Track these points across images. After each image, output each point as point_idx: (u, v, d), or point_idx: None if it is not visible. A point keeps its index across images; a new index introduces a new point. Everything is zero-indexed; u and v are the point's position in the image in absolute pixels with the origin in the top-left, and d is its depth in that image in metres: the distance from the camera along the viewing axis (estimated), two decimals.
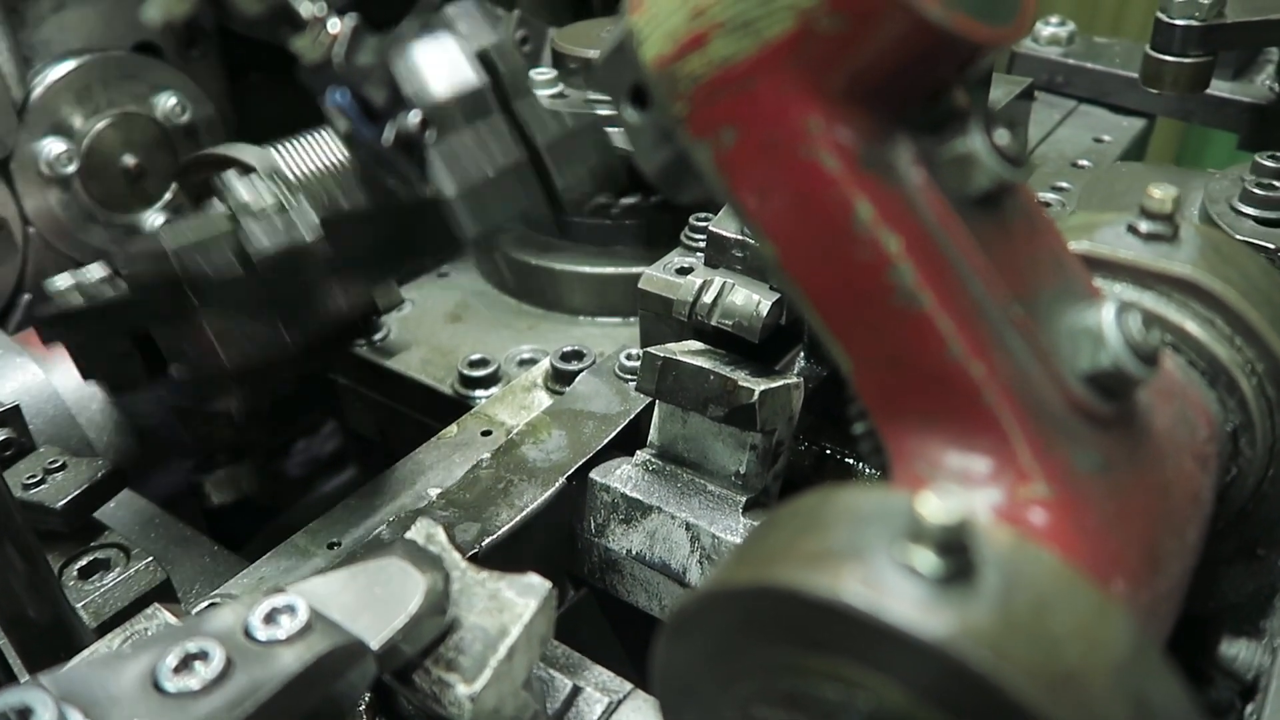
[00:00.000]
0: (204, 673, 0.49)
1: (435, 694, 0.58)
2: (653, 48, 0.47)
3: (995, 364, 0.46)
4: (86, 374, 0.81)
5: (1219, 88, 1.24)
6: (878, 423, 0.51)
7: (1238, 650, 0.65)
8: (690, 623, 0.47)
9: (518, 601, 0.60)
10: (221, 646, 0.50)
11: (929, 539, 0.40)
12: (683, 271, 0.92)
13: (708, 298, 0.86)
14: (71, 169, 1.35)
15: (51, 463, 0.86)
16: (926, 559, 0.40)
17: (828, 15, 0.42)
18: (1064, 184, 1.23)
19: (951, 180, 0.46)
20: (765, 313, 0.84)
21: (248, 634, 0.51)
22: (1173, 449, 0.53)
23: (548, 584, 0.61)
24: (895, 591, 0.40)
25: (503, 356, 1.16)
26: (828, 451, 0.94)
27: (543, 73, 1.23)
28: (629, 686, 0.71)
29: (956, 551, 0.40)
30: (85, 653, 0.64)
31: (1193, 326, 0.61)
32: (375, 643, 0.54)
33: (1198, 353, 0.61)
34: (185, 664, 0.49)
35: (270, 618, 0.52)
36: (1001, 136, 0.47)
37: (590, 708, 0.69)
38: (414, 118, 0.58)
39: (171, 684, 0.48)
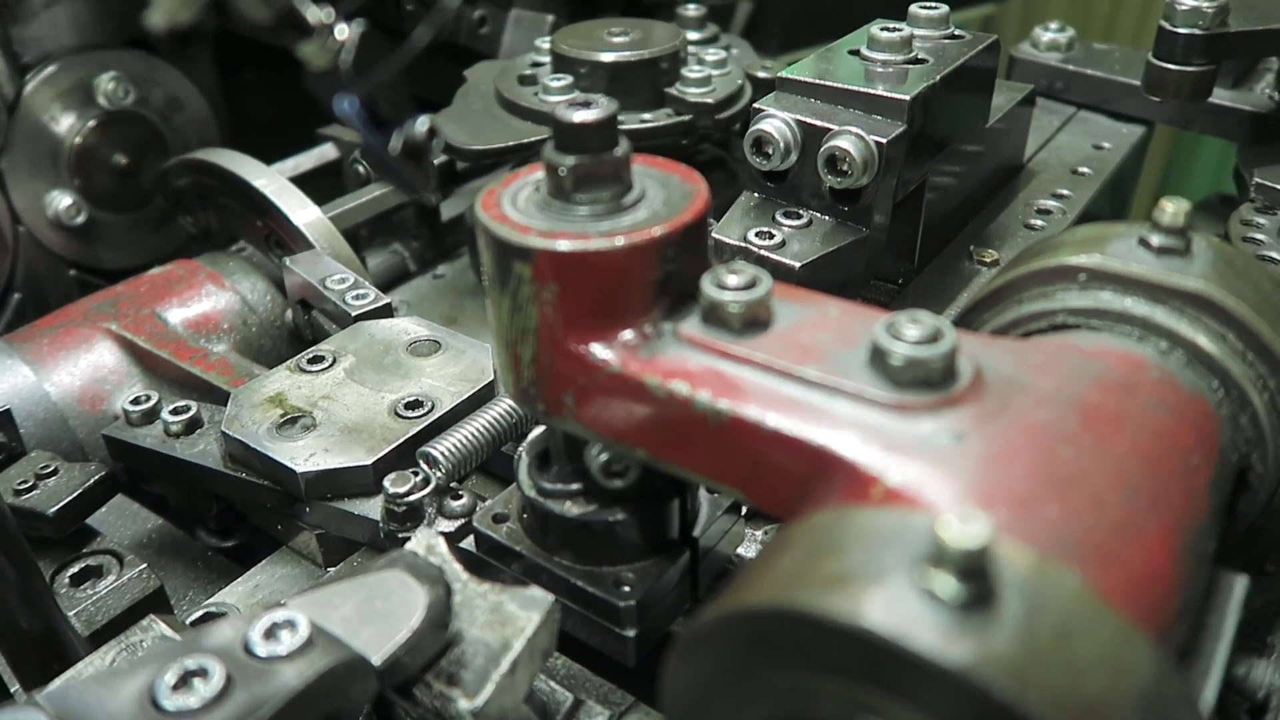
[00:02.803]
0: (203, 690, 0.48)
1: (437, 708, 0.57)
2: (506, 388, 0.63)
3: (806, 417, 0.53)
4: None
5: (1219, 96, 1.23)
6: (789, 520, 0.54)
7: (1247, 668, 0.64)
8: (702, 642, 0.47)
9: (520, 615, 0.60)
10: (221, 663, 0.49)
11: (949, 563, 0.40)
12: None
13: None
14: (79, 221, 1.35)
15: (43, 468, 0.85)
16: (947, 584, 0.40)
17: (543, 290, 0.56)
18: (1064, 191, 1.23)
19: (719, 325, 0.58)
20: None
21: (247, 650, 0.51)
22: (1061, 392, 0.55)
23: (550, 597, 0.61)
24: (917, 617, 0.39)
25: None
26: None
27: (558, 79, 1.20)
28: (630, 699, 0.71)
29: (977, 576, 0.40)
30: (79, 666, 0.63)
31: (1205, 341, 0.61)
32: (377, 658, 0.53)
33: (1210, 368, 0.60)
34: (184, 681, 0.48)
35: (270, 633, 0.51)
36: (729, 279, 0.58)
37: None
38: (421, 125, 0.57)
39: (170, 702, 0.47)
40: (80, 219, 1.37)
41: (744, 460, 0.55)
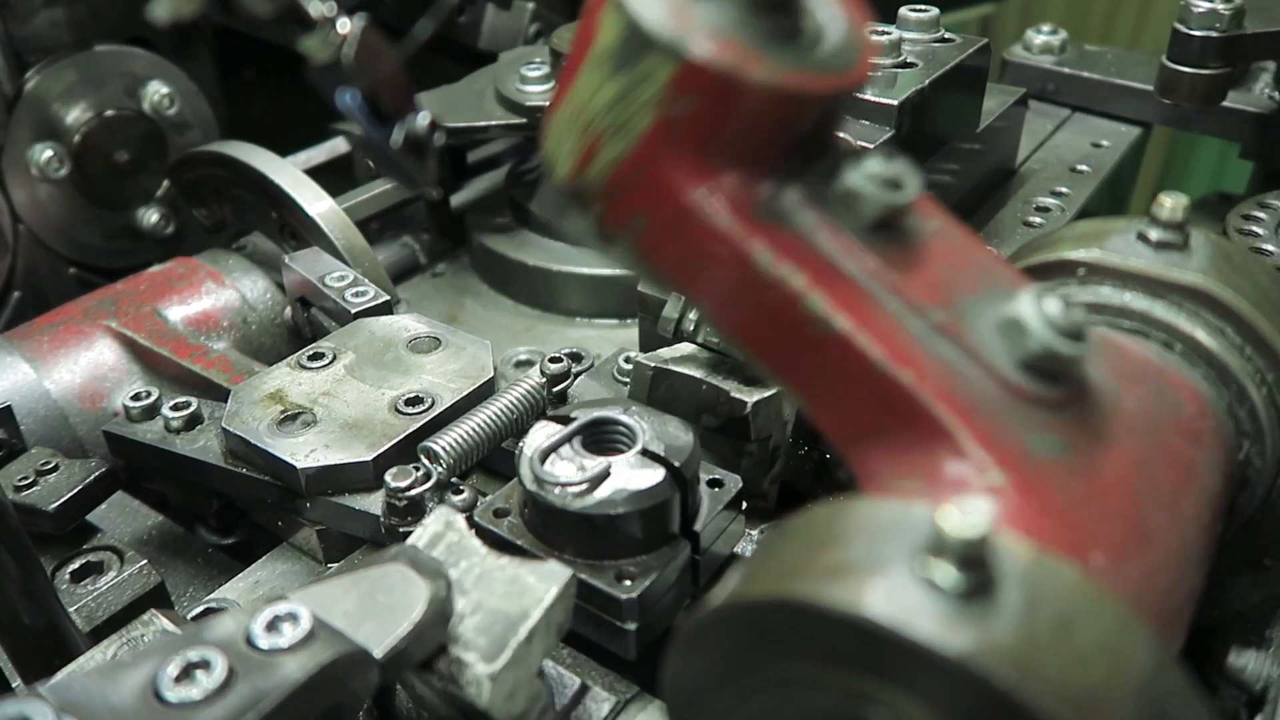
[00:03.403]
0: (205, 682, 0.48)
1: (453, 674, 0.57)
2: (561, 168, 0.53)
3: (923, 369, 0.48)
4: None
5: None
6: (843, 452, 0.52)
7: (1246, 661, 0.65)
8: (704, 634, 0.47)
9: (538, 586, 0.60)
10: (223, 655, 0.49)
11: (950, 553, 0.40)
12: None
13: (694, 314, 0.82)
14: (62, 173, 1.34)
15: (43, 464, 0.85)
16: (947, 573, 0.40)
17: (677, 101, 0.47)
18: (1063, 189, 1.23)
19: (846, 215, 0.50)
20: None
21: (249, 642, 0.50)
22: (1150, 425, 0.53)
23: (568, 571, 0.61)
24: (917, 607, 0.39)
25: (499, 358, 1.15)
26: (829, 457, 0.93)
27: (533, 68, 1.23)
28: (635, 689, 0.71)
29: (977, 566, 0.40)
30: (81, 660, 0.63)
31: (1204, 336, 0.61)
32: (379, 651, 0.53)
33: (1209, 362, 0.61)
34: (186, 673, 0.48)
35: (272, 625, 0.51)
36: (878, 166, 0.50)
37: (598, 705, 0.69)
38: (422, 119, 0.57)
39: (172, 694, 0.47)
40: (63, 171, 1.34)
41: (831, 380, 0.49)
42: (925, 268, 0.50)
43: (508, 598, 0.59)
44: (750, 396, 0.77)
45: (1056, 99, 1.42)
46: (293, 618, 0.51)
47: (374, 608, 0.55)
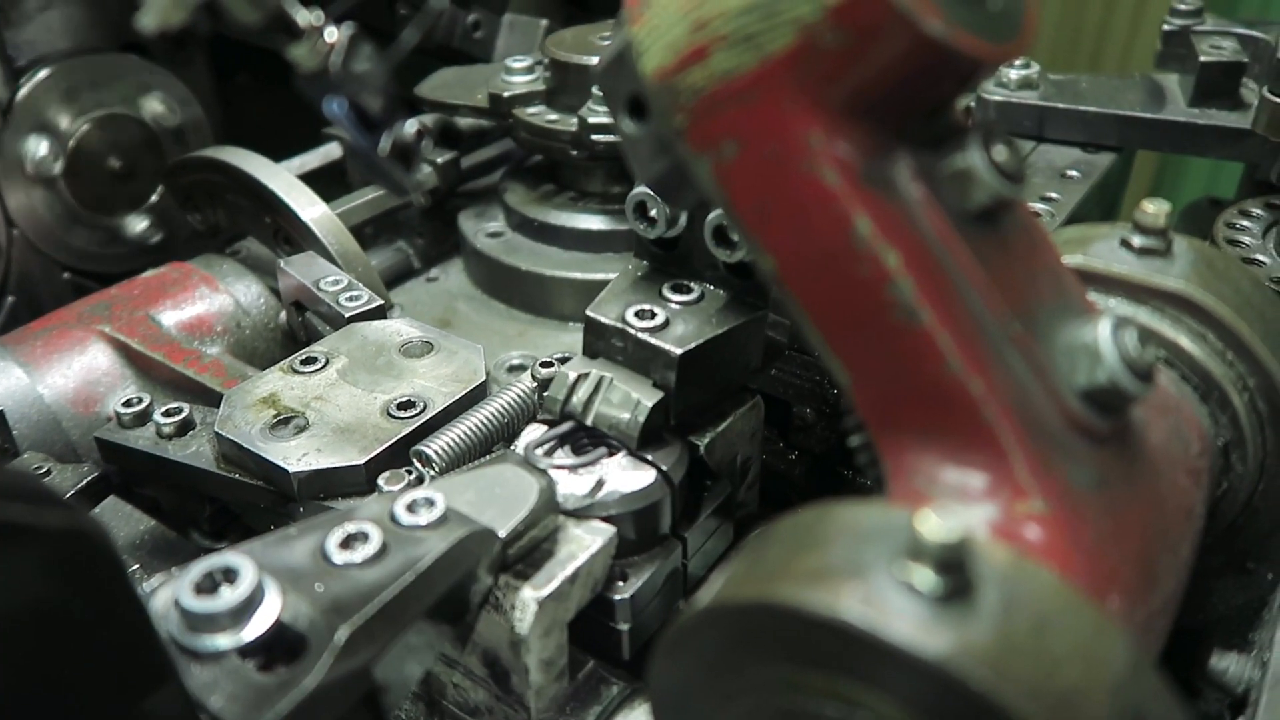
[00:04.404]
0: (364, 549, 0.54)
1: (497, 599, 0.62)
2: (653, 60, 0.48)
3: (993, 380, 0.46)
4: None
5: (1224, 119, 1.20)
6: (875, 437, 0.51)
7: (1228, 664, 0.65)
8: (688, 638, 0.47)
9: (585, 537, 0.65)
10: (379, 528, 0.55)
11: (928, 557, 0.40)
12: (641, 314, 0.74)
13: (581, 395, 0.72)
14: (57, 170, 1.34)
15: (36, 469, 0.85)
16: (925, 577, 0.40)
17: (830, 31, 0.42)
18: (1053, 194, 1.24)
19: (950, 196, 0.47)
20: (644, 418, 0.70)
21: (394, 520, 0.57)
22: (1167, 464, 0.53)
23: (611, 529, 0.65)
24: (895, 610, 0.40)
25: (492, 362, 1.15)
26: (821, 458, 0.94)
27: (519, 60, 1.25)
28: (639, 683, 0.71)
29: (955, 570, 0.40)
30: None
31: (1186, 342, 0.61)
32: (502, 531, 0.60)
33: (1191, 368, 0.61)
34: (348, 542, 0.54)
35: (412, 508, 0.58)
36: (1000, 153, 0.47)
37: (607, 687, 0.71)
38: (410, 126, 0.58)
39: (339, 557, 0.53)
40: (59, 167, 1.35)
41: (893, 367, 0.47)
42: (1008, 269, 0.47)
43: (556, 544, 0.64)
44: (703, 438, 0.73)
45: (1041, 136, 1.33)
46: (429, 502, 0.58)
47: (493, 498, 0.62)
